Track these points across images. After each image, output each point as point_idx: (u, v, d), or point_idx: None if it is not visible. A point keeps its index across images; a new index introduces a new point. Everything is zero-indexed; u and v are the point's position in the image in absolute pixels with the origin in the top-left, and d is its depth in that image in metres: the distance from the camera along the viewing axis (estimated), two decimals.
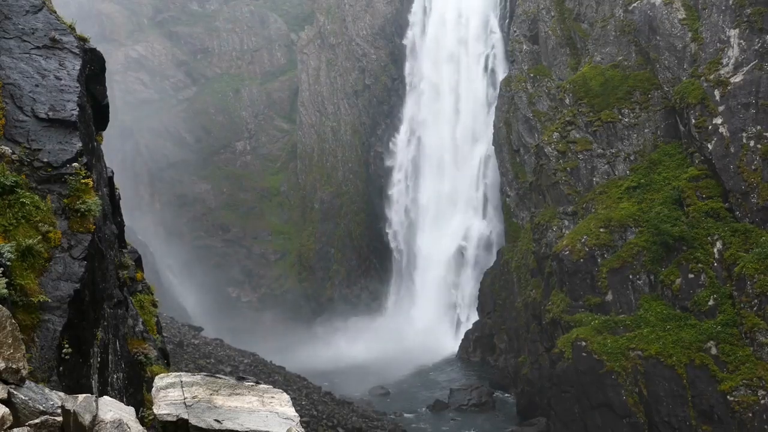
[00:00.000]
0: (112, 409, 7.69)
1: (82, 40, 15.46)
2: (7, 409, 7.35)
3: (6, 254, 10.87)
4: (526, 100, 68.30)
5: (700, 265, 46.71)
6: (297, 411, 8.39)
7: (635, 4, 57.81)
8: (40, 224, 11.89)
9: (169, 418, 7.79)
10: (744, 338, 43.41)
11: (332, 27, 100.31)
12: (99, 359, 12.63)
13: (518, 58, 71.84)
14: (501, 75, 77.33)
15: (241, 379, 8.82)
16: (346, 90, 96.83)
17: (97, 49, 16.17)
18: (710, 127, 48.93)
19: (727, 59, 49.81)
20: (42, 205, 12.11)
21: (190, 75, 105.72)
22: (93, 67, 15.70)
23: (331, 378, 65.05)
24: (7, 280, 10.55)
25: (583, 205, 55.37)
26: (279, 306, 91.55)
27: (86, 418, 7.33)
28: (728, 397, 42.04)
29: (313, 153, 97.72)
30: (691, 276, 46.84)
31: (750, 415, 41.02)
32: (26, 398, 7.79)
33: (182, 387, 8.35)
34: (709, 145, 48.85)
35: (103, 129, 16.94)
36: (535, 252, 59.30)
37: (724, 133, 48.21)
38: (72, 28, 15.38)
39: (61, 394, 8.36)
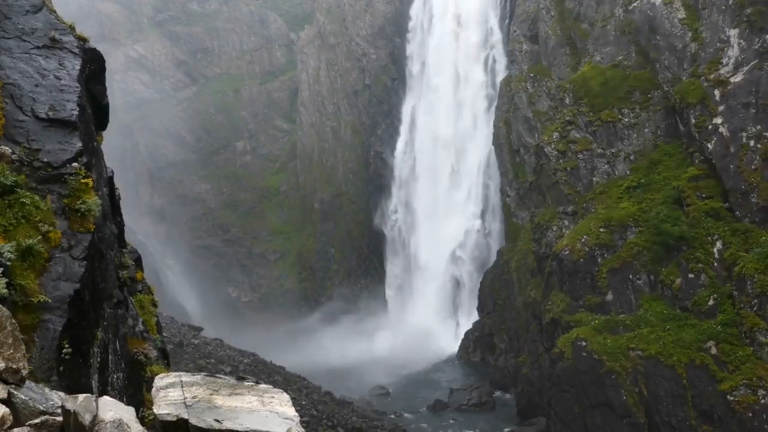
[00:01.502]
0: (112, 409, 7.68)
1: (82, 39, 15.45)
2: (7, 409, 7.35)
3: (6, 254, 10.86)
4: (526, 100, 68.31)
5: (700, 265, 46.71)
6: (297, 411, 8.39)
7: (635, 4, 57.80)
8: (40, 224, 11.89)
9: (169, 418, 7.78)
10: (744, 338, 43.39)
11: (332, 27, 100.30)
12: (99, 359, 12.62)
13: (518, 58, 71.85)
14: (501, 75, 77.34)
15: (241, 379, 8.81)
16: (346, 90, 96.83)
17: (97, 48, 16.16)
18: (710, 127, 48.92)
19: (727, 59, 49.79)
20: (42, 205, 12.10)
21: (190, 75, 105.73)
22: (93, 67, 15.70)
23: (331, 378, 64.98)
24: (7, 280, 10.54)
25: (583, 204, 55.36)
26: (279, 306, 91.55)
27: (86, 418, 7.32)
28: (728, 396, 42.03)
29: (313, 153, 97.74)
30: (691, 276, 46.83)
31: (750, 414, 41.01)
32: (26, 398, 7.79)
33: (182, 387, 8.34)
34: (709, 145, 48.84)
35: (103, 129, 16.93)
36: (535, 252, 59.29)
37: (724, 133, 48.20)
38: (72, 28, 15.37)
39: (61, 394, 8.36)
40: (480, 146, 79.89)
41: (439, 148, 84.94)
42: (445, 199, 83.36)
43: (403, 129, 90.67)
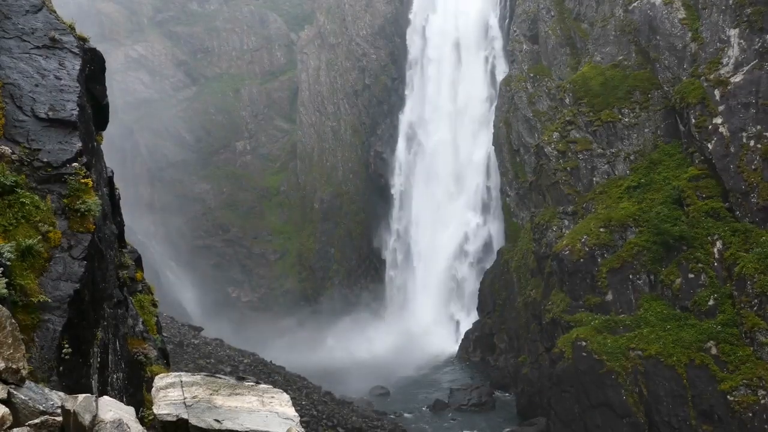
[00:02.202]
0: (112, 409, 7.68)
1: (82, 39, 15.44)
2: (7, 409, 7.34)
3: (6, 254, 10.85)
4: (526, 99, 68.31)
5: (700, 264, 46.69)
6: (297, 411, 8.39)
7: (635, 4, 57.79)
8: (40, 224, 11.88)
9: (169, 418, 7.78)
10: (744, 338, 43.40)
11: (332, 27, 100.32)
12: (99, 359, 12.61)
13: (518, 58, 71.84)
14: (501, 75, 77.27)
15: (241, 379, 8.81)
16: (346, 90, 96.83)
17: (97, 48, 16.14)
18: (710, 127, 48.91)
19: (727, 59, 49.78)
20: (42, 205, 12.10)
21: (190, 75, 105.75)
22: (93, 67, 15.68)
23: (331, 378, 64.99)
24: (7, 280, 10.53)
25: (583, 204, 55.36)
26: (279, 306, 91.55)
27: (86, 418, 7.32)
28: (728, 396, 42.03)
29: (313, 153, 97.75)
30: (691, 276, 46.83)
31: (750, 414, 41.01)
32: (26, 398, 7.79)
33: (182, 387, 8.34)
34: (709, 145, 48.83)
35: (103, 129, 16.91)
36: (535, 252, 59.29)
37: (724, 133, 48.19)
38: (72, 28, 15.36)
39: (61, 394, 8.36)
40: (480, 146, 79.68)
41: (438, 148, 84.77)
42: (445, 199, 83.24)
43: (403, 129, 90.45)
